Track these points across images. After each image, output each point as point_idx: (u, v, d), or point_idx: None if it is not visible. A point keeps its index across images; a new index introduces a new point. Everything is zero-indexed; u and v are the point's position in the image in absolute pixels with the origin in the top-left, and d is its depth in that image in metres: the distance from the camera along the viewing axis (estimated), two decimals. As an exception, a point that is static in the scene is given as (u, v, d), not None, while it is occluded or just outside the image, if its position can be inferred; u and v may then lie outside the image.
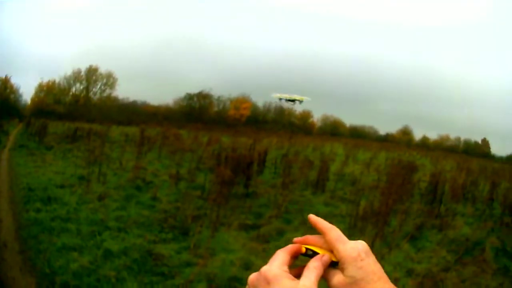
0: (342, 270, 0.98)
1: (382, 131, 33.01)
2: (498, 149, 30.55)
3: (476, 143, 33.29)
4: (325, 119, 34.95)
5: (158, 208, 11.92)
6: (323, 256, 1.04)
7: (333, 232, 1.03)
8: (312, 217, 1.09)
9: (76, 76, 33.01)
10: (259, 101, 34.01)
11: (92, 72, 33.16)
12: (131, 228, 10.27)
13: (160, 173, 16.25)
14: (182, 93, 32.31)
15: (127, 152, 19.83)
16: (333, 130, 35.46)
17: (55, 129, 28.05)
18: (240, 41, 31.36)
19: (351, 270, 0.96)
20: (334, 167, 17.30)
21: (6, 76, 30.17)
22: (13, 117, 32.90)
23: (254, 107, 34.74)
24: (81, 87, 33.85)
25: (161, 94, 32.22)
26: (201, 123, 31.03)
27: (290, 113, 34.30)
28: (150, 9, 31.14)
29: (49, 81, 32.94)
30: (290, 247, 1.06)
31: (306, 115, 34.55)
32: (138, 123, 27.51)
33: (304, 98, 21.93)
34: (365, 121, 33.40)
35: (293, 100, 21.16)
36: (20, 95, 32.83)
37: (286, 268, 1.02)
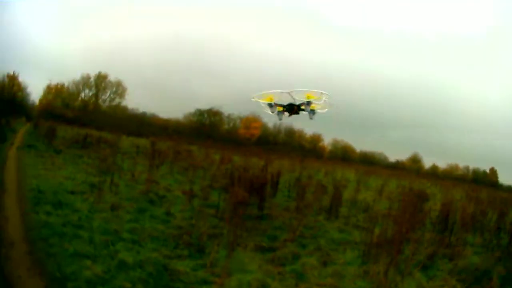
0: None
1: (392, 158, 36.88)
2: (506, 178, 33.61)
3: (484, 172, 36.04)
4: (335, 144, 38.35)
5: (172, 223, 12.32)
6: None
7: None
8: None
9: (85, 82, 36.45)
10: (270, 121, 36.63)
11: (101, 78, 36.21)
12: (145, 241, 10.54)
13: (173, 188, 16.75)
14: (191, 108, 36.08)
15: (139, 164, 20.19)
16: (344, 155, 37.77)
17: (63, 133, 29.13)
18: (251, 60, 35.63)
19: None
20: (347, 193, 17.75)
21: (13, 73, 35.06)
22: (20, 115, 35.44)
23: (264, 127, 36.90)
24: (90, 93, 36.33)
25: (170, 107, 35.11)
26: (211, 140, 32.60)
27: (301, 135, 37.67)
28: (163, 23, 36.12)
29: (57, 83, 36.21)
30: None
31: (316, 139, 38.09)
32: (148, 135, 28.97)
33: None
34: (374, 147, 36.72)
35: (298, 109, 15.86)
36: (28, 94, 36.01)
37: None
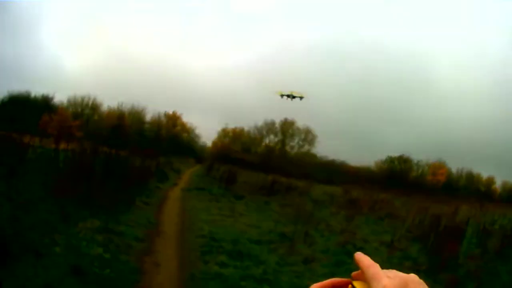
0: None
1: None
2: None
3: None
4: (504, 185, 39.68)
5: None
6: None
7: (371, 269, 1.03)
8: (358, 254, 1.09)
9: (269, 127, 38.56)
10: (453, 166, 38.69)
11: (287, 125, 38.20)
12: (341, 298, 10.08)
13: (371, 239, 16.34)
14: (382, 155, 38.59)
15: (334, 213, 19.81)
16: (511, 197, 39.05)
17: (245, 178, 29.58)
18: (437, 108, 39.10)
19: None
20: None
21: (173, 112, 39.01)
22: (186, 156, 37.96)
23: (448, 172, 38.63)
24: (276, 139, 38.42)
25: (361, 155, 37.42)
26: (401, 187, 33.15)
27: (478, 179, 39.27)
28: (348, 72, 39.63)
29: (236, 127, 38.60)
30: (331, 281, 1.11)
31: (490, 181, 39.63)
32: (338, 183, 29.84)
33: (304, 95, 27.54)
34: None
35: (292, 96, 26.83)
36: (197, 136, 39.60)
37: None
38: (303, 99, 27.10)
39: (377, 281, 0.96)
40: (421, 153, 37.20)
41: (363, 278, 1.01)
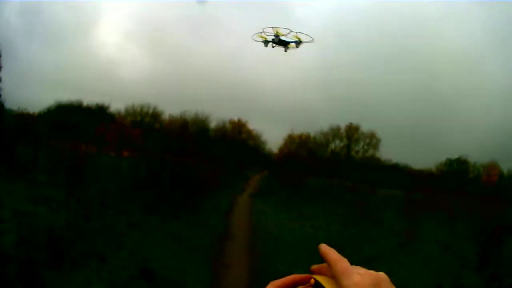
0: None
1: None
2: None
3: None
4: None
5: (427, 276, 12.28)
6: None
7: (340, 264, 1.01)
8: (323, 246, 1.07)
9: (335, 133, 38.34)
10: (504, 166, 36.55)
11: (353, 130, 37.81)
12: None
13: (428, 239, 16.52)
14: (441, 158, 37.28)
15: (396, 216, 20.03)
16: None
17: (312, 183, 29.59)
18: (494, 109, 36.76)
19: None
20: None
21: (238, 119, 38.87)
22: (252, 162, 37.51)
23: (500, 173, 36.78)
24: (341, 144, 38.18)
25: (422, 158, 36.62)
26: (460, 188, 32.24)
27: None
28: (410, 76, 37.39)
29: (302, 133, 38.33)
30: (293, 277, 1.09)
31: None
32: (402, 187, 29.26)
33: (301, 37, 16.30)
34: None
35: (282, 42, 15.38)
36: (263, 142, 39.14)
37: None
38: (302, 44, 14.91)
39: (347, 277, 0.95)
40: (478, 154, 36.45)
41: (325, 272, 1.02)
